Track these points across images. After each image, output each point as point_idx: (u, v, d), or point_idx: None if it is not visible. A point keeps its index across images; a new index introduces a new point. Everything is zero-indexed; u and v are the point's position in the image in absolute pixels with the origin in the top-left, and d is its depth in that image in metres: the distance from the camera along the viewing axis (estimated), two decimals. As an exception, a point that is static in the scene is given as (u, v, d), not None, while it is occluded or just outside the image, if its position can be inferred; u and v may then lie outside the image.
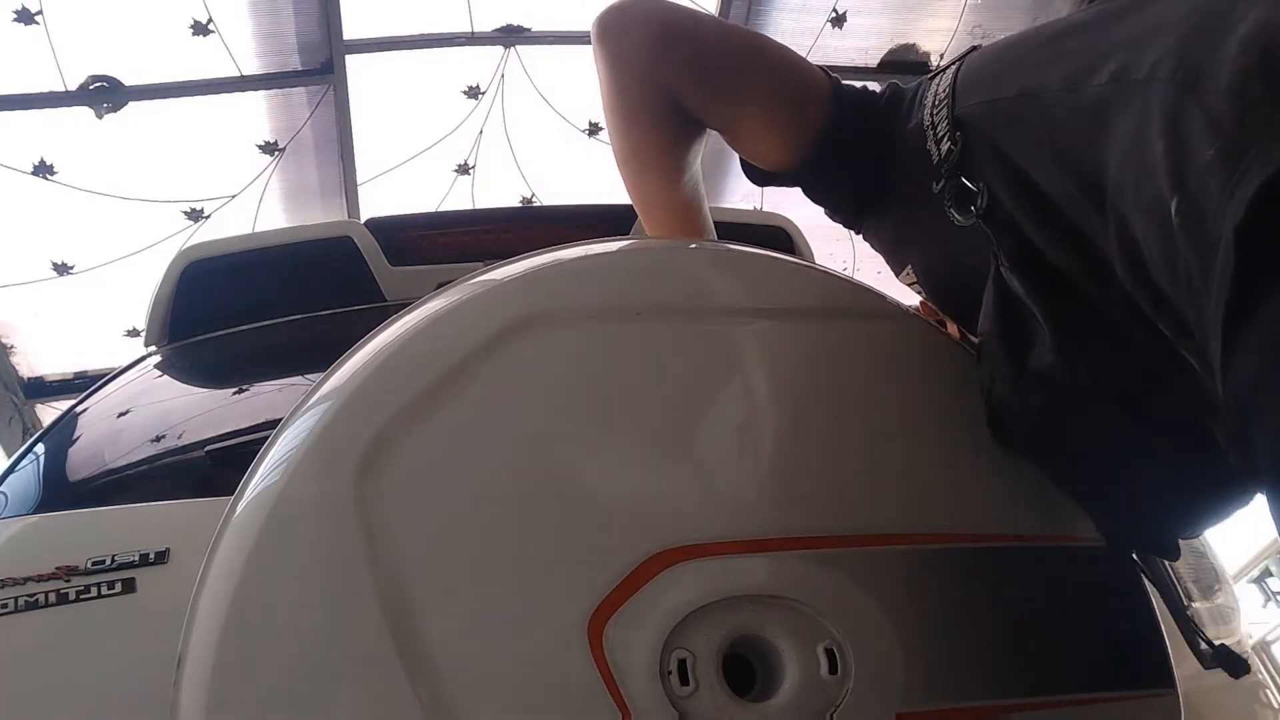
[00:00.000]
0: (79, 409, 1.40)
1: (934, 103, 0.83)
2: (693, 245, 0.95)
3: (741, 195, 3.38)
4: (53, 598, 0.93)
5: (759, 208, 2.89)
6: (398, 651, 0.62)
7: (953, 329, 0.97)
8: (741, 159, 0.98)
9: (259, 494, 0.69)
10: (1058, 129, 0.70)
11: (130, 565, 0.94)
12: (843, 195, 0.96)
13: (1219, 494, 0.74)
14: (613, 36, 0.90)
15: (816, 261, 1.36)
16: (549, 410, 0.72)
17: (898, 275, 0.96)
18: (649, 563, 0.66)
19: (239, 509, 0.69)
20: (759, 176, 0.98)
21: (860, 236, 0.99)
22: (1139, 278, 0.64)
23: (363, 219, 1.81)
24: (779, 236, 1.75)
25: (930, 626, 0.71)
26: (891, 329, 0.86)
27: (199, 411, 1.38)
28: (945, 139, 0.80)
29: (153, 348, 1.64)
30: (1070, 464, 0.77)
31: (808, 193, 0.98)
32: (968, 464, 0.78)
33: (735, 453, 0.75)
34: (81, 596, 0.93)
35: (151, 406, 1.41)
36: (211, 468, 1.10)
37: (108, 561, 0.94)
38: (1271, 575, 4.54)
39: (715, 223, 1.07)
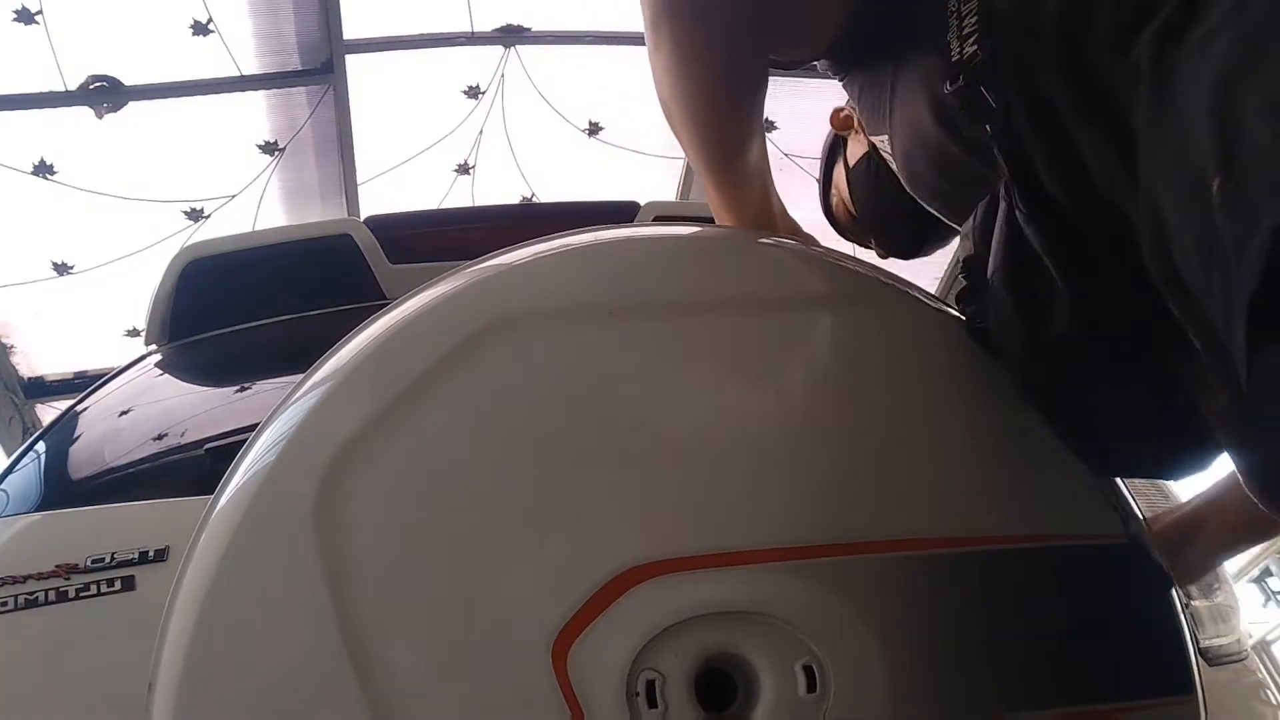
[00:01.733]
0: (79, 408, 1.40)
1: None
2: (666, 233, 0.93)
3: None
4: (52, 596, 0.93)
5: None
6: (355, 671, 0.61)
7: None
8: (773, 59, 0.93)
9: (220, 514, 0.68)
10: (1093, 80, 0.64)
11: (130, 563, 0.94)
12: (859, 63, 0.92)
13: (1196, 454, 0.74)
14: (687, 12, 0.79)
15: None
16: (514, 424, 0.69)
17: (874, 138, 0.92)
18: (617, 580, 0.63)
19: (204, 529, 0.68)
20: (784, 65, 0.95)
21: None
22: (1159, 257, 0.61)
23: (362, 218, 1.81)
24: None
25: (920, 638, 0.67)
26: (877, 317, 0.80)
27: (199, 410, 1.38)
28: (972, 39, 0.70)
29: (153, 347, 1.64)
30: (1057, 393, 0.75)
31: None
32: (960, 463, 0.74)
33: (706, 463, 0.70)
34: (81, 594, 0.93)
35: (151, 405, 1.41)
36: (211, 466, 1.10)
37: (107, 559, 0.94)
38: (1271, 575, 4.56)
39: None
